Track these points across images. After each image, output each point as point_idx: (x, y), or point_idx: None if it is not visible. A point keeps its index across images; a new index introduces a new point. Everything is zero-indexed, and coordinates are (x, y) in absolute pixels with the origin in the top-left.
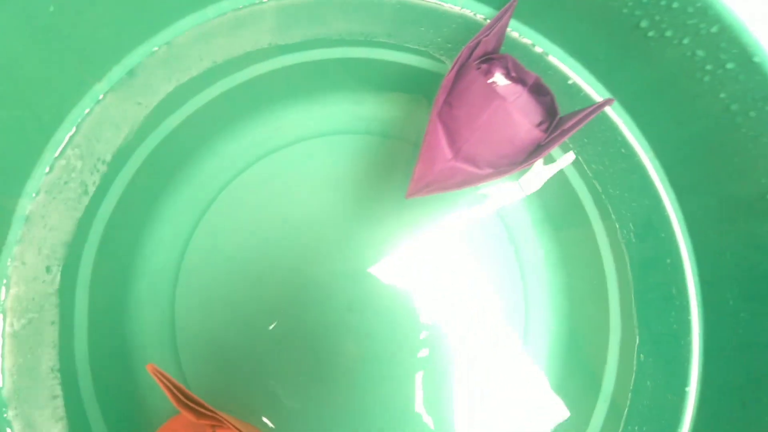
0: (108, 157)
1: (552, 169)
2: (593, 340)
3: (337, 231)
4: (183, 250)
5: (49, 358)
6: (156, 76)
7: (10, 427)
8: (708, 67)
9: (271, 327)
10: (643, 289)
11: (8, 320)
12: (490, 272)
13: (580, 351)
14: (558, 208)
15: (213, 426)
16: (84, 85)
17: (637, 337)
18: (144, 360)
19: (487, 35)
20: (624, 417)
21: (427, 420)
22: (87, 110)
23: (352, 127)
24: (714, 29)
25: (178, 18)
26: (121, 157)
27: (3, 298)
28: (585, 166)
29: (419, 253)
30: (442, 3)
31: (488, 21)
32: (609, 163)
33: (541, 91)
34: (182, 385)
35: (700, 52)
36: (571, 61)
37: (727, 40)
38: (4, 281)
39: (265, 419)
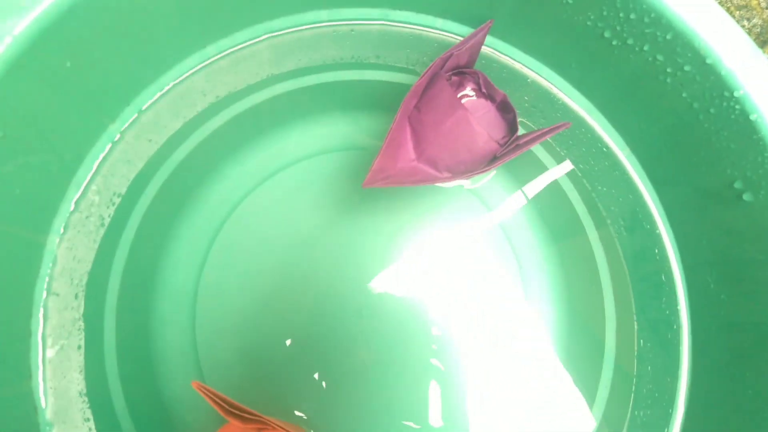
0: (123, 191)
1: (549, 178)
2: (592, 329)
3: (344, 242)
4: (200, 270)
5: (77, 383)
6: (164, 114)
7: None
8: (668, 70)
9: (285, 337)
10: (637, 279)
11: (46, 348)
12: (491, 274)
13: (581, 340)
14: (551, 207)
15: (259, 429)
16: (100, 127)
17: (636, 324)
18: (170, 375)
19: (459, 50)
20: (630, 403)
21: (438, 420)
22: (103, 149)
23: (351, 144)
24: (669, 36)
25: (181, 59)
26: (135, 189)
27: (41, 327)
28: (573, 166)
29: (423, 259)
30: (422, 28)
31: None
32: (594, 162)
33: (507, 108)
34: (226, 396)
35: (659, 57)
36: (547, 70)
37: (681, 45)
38: (42, 312)
39: None
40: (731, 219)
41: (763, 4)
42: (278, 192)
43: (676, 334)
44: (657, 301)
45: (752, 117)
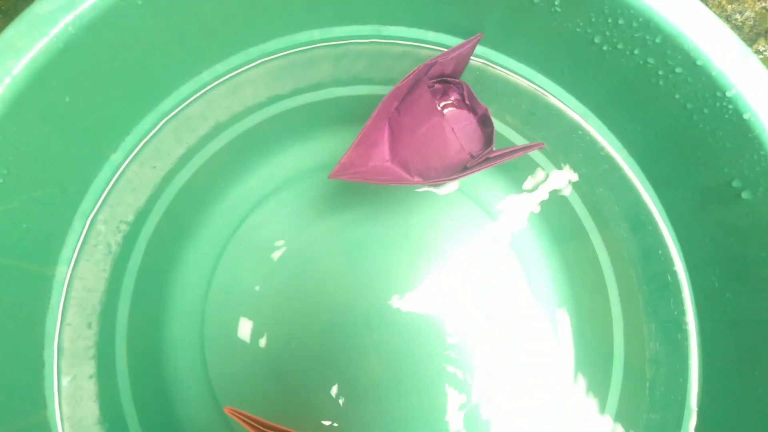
0: (129, 218)
1: (550, 183)
2: (600, 333)
3: (348, 256)
4: (206, 291)
5: (92, 410)
6: (166, 141)
7: None
8: (660, 72)
9: (294, 354)
10: (644, 280)
11: (61, 377)
12: (497, 281)
13: (590, 345)
14: (554, 211)
15: None
16: (102, 157)
17: (645, 326)
18: (183, 396)
19: (444, 58)
20: (646, 407)
21: (451, 429)
22: (108, 179)
23: None
24: (658, 40)
25: (178, 86)
26: (141, 216)
27: (56, 358)
28: (573, 170)
29: (428, 269)
30: (414, 42)
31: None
32: (592, 166)
33: (486, 122)
34: (259, 417)
35: (650, 60)
36: (541, 77)
37: (671, 48)
38: (56, 342)
39: None
40: (731, 217)
41: None
42: (280, 209)
43: (685, 334)
44: (665, 302)
45: (746, 116)
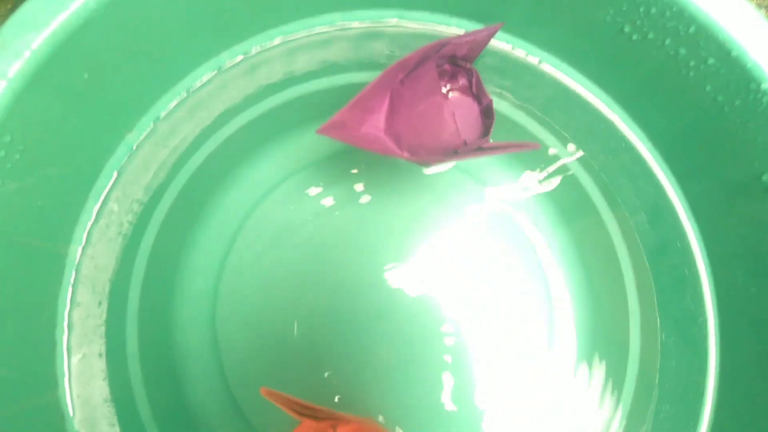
0: (142, 198)
1: (565, 171)
2: (615, 327)
3: (361, 240)
4: (218, 274)
5: (101, 390)
6: (181, 121)
7: None
8: (691, 64)
9: (304, 337)
10: (659, 273)
11: (71, 357)
12: (510, 270)
13: (604, 337)
14: (569, 202)
15: (332, 425)
16: (118, 137)
17: (658, 320)
18: (194, 380)
19: (459, 41)
20: (654, 398)
21: (460, 418)
22: (122, 159)
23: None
24: (692, 30)
25: (196, 66)
26: (154, 196)
27: (66, 337)
28: (591, 160)
29: (436, 253)
30: (437, 26)
31: None
32: (612, 157)
33: (488, 114)
34: (295, 397)
35: (682, 51)
36: (565, 66)
37: (705, 39)
38: (66, 321)
39: None
40: (760, 212)
41: None
42: (293, 195)
43: (702, 329)
44: (681, 296)
45: None
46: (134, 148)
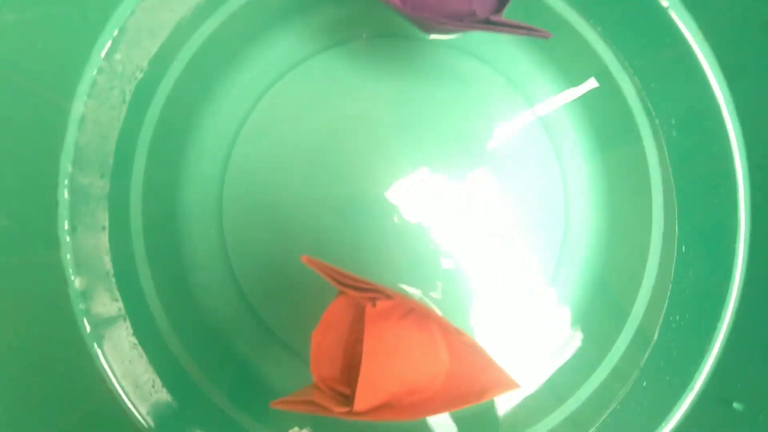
0: (146, 66)
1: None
2: (634, 238)
3: (376, 136)
4: (227, 157)
5: (104, 263)
6: None
7: (86, 317)
8: None
9: (311, 228)
10: (686, 180)
11: (73, 222)
12: (530, 176)
13: (623, 246)
14: (597, 104)
15: (372, 297)
16: None
17: (677, 229)
18: (196, 262)
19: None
20: (665, 306)
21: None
22: (126, 13)
23: (391, 29)
24: None
25: None
26: (158, 65)
27: (68, 197)
28: (627, 63)
29: (460, 158)
30: None
31: None
32: (653, 55)
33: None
34: (336, 267)
35: None
36: None
37: None
38: (67, 182)
39: None
40: None
41: None
42: (309, 79)
43: (732, 238)
44: (709, 204)
45: None
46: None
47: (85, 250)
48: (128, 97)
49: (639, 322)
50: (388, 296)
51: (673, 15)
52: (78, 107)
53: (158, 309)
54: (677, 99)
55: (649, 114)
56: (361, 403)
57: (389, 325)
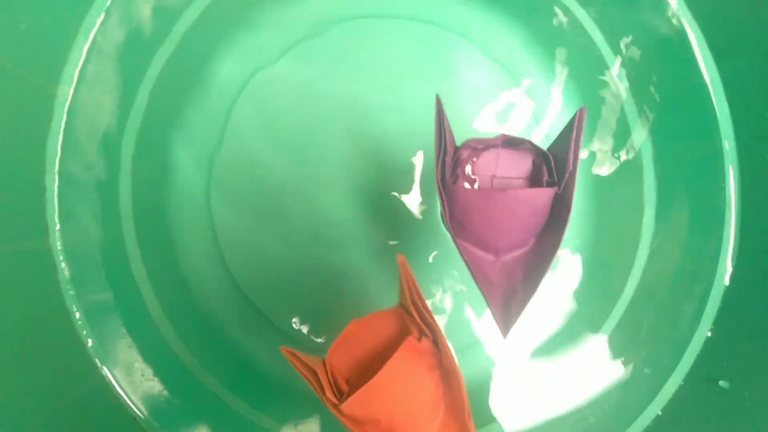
0: (134, 52)
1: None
2: (624, 221)
3: (369, 120)
4: (220, 136)
5: (94, 249)
6: None
7: (76, 303)
8: None
9: (301, 213)
10: (684, 162)
11: (62, 209)
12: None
13: (611, 230)
14: (587, 88)
15: (421, 333)
16: None
17: (667, 211)
18: (186, 248)
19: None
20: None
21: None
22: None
23: (383, 9)
24: None
25: None
26: (147, 50)
27: (56, 185)
28: (617, 43)
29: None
30: None
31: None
32: (642, 35)
33: (514, 142)
34: (416, 283)
35: None
36: None
37: None
38: (57, 168)
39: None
40: None
41: None
42: (297, 64)
43: (720, 219)
44: (698, 184)
45: None
46: None
47: (74, 236)
48: (116, 81)
49: (630, 303)
50: (434, 342)
51: None
52: (64, 91)
53: (150, 295)
54: (666, 79)
55: (637, 94)
56: (350, 406)
57: (415, 365)
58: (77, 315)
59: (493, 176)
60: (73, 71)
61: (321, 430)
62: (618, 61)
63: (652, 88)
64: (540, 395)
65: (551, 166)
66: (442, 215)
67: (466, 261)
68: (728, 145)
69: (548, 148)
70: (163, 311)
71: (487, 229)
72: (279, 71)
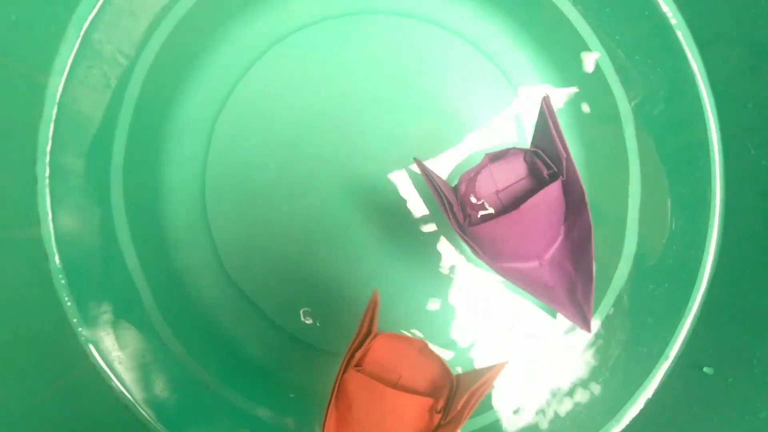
0: (125, 45)
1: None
2: (612, 210)
3: (361, 115)
4: (208, 137)
5: (85, 239)
6: None
7: (67, 292)
8: None
9: (294, 209)
10: (670, 153)
11: (54, 197)
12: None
13: (600, 219)
14: (577, 80)
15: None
16: None
17: (653, 201)
18: (179, 239)
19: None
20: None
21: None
22: None
23: (381, 5)
24: None
25: None
26: (138, 44)
27: (48, 174)
28: (605, 36)
29: (442, 140)
30: None
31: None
32: (630, 28)
33: (500, 155)
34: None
35: None
36: None
37: None
38: (48, 159)
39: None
40: None
41: None
42: (289, 58)
43: (706, 208)
44: (689, 175)
45: None
46: None
47: (66, 226)
48: (107, 74)
49: (618, 293)
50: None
51: None
52: (55, 82)
53: (142, 284)
54: (653, 70)
55: (625, 85)
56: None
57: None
58: (68, 304)
59: (497, 191)
60: (64, 62)
61: (313, 421)
62: (605, 52)
63: (639, 80)
64: (526, 383)
65: (545, 159)
66: (473, 250)
67: (516, 282)
68: (714, 135)
69: (532, 145)
70: (154, 300)
71: (521, 243)
72: (272, 66)
